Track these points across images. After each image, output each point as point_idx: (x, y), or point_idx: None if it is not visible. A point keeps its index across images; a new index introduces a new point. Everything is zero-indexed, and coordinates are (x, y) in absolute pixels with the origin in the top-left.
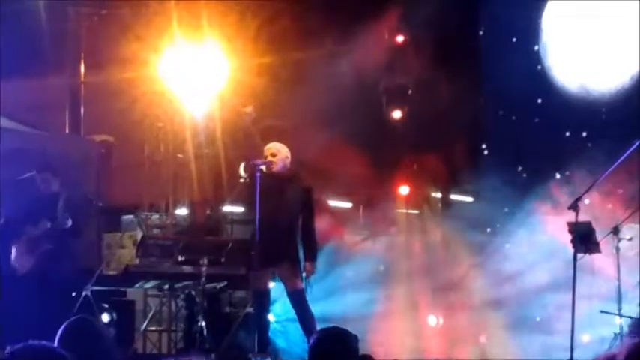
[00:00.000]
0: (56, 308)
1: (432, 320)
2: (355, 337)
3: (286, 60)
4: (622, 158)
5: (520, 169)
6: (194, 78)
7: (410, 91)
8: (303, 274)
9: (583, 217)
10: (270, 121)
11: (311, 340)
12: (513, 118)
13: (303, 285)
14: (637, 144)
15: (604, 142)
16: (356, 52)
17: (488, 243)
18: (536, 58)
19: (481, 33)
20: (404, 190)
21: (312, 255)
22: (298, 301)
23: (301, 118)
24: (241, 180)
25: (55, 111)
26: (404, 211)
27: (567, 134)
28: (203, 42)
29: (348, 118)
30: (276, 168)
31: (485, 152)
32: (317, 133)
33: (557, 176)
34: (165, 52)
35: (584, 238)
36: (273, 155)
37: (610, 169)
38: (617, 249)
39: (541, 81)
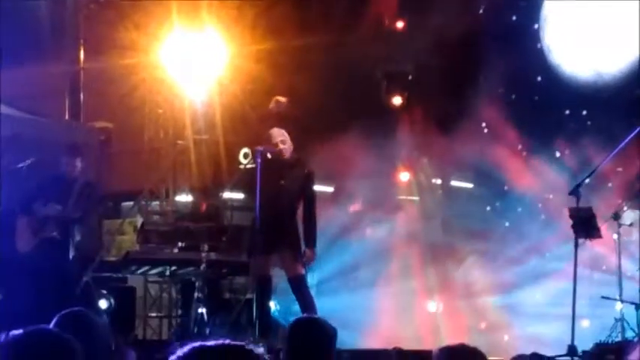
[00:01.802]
0: (55, 295)
1: (432, 306)
2: (332, 327)
3: (285, 46)
4: (623, 143)
5: (520, 147)
6: (193, 64)
7: (410, 77)
8: (304, 260)
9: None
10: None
11: (288, 328)
12: (513, 96)
13: (303, 271)
14: (637, 130)
15: (604, 120)
16: (355, 38)
17: (488, 226)
18: (536, 37)
19: (481, 11)
20: (404, 176)
21: (312, 241)
22: (299, 287)
23: (300, 104)
24: (241, 166)
25: (54, 98)
26: (404, 197)
27: (567, 112)
28: (202, 28)
29: (347, 105)
30: (287, 154)
31: (485, 131)
32: (316, 119)
33: (557, 154)
34: (164, 39)
35: (585, 224)
36: (283, 142)
37: (610, 155)
38: (618, 234)
39: (541, 59)
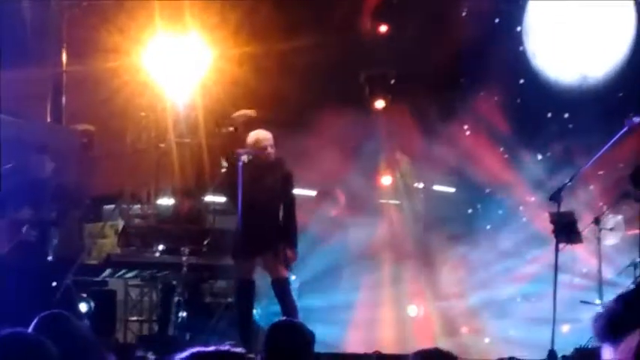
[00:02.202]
0: (35, 299)
1: (413, 311)
2: (310, 332)
3: (268, 49)
4: (605, 148)
5: (501, 149)
6: (176, 67)
7: (393, 81)
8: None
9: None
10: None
11: (266, 332)
12: (495, 99)
13: (286, 274)
14: (619, 134)
15: (586, 123)
16: (338, 41)
17: (469, 229)
18: (518, 39)
19: (464, 14)
20: (386, 179)
21: (293, 243)
22: (282, 289)
23: (283, 107)
24: (223, 170)
25: (36, 101)
26: (386, 201)
27: (549, 115)
28: (185, 32)
29: (330, 108)
30: (272, 158)
31: (467, 133)
32: (298, 122)
33: (539, 157)
34: (147, 42)
35: (566, 229)
36: (272, 147)
37: (592, 160)
38: (599, 239)
39: (523, 62)
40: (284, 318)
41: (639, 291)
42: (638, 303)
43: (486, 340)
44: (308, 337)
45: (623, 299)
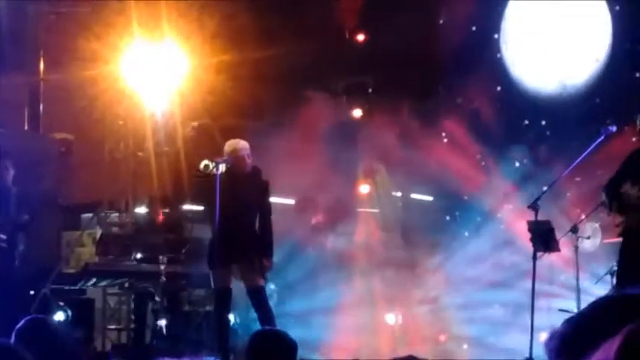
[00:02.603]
0: (10, 307)
1: (391, 319)
2: (293, 340)
3: (245, 58)
4: (582, 156)
5: (479, 156)
6: (154, 76)
7: (370, 90)
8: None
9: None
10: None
11: (248, 341)
12: (472, 106)
13: (263, 282)
14: (597, 141)
15: (563, 130)
16: (316, 49)
17: (447, 237)
18: (495, 47)
19: (441, 22)
20: (364, 188)
21: (269, 251)
22: (258, 298)
23: (260, 116)
24: (195, 177)
25: (14, 109)
26: (364, 209)
27: (526, 122)
28: (162, 40)
29: (307, 116)
30: (249, 168)
31: (445, 140)
32: (276, 131)
33: (517, 164)
34: (124, 50)
35: (543, 237)
36: (249, 156)
37: (570, 168)
38: (576, 247)
39: (500, 69)
40: (267, 327)
41: (589, 313)
42: (587, 325)
43: (465, 347)
44: (292, 346)
45: (572, 321)
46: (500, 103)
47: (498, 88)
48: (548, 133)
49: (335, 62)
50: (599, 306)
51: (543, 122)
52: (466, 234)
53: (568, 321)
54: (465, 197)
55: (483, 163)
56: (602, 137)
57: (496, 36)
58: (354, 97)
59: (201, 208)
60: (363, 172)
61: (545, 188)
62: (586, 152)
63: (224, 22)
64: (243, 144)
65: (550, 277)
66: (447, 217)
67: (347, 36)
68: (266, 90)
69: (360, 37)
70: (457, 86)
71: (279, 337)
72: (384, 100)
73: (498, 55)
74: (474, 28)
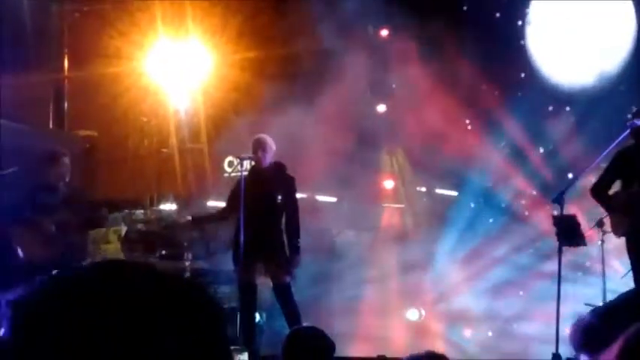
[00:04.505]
0: None
1: (414, 315)
2: (331, 339)
3: (270, 55)
4: (609, 150)
5: (503, 144)
6: (178, 73)
7: (394, 85)
8: (289, 267)
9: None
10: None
11: (286, 338)
12: (496, 93)
13: (288, 279)
14: (622, 137)
15: (588, 117)
16: (340, 46)
17: (473, 227)
18: (519, 34)
19: (465, 8)
20: (389, 183)
21: (296, 247)
22: (284, 295)
23: (286, 112)
24: (225, 174)
25: (38, 106)
26: (389, 204)
27: (550, 109)
28: (187, 37)
29: (333, 113)
30: (266, 164)
31: (469, 127)
32: (302, 127)
33: (541, 150)
34: (149, 48)
35: (568, 231)
36: (264, 150)
37: (596, 162)
38: (602, 242)
39: (524, 56)
40: (305, 325)
41: (614, 305)
42: (612, 317)
43: (489, 334)
44: (330, 345)
45: (597, 313)
46: (524, 89)
47: (522, 75)
48: (573, 120)
49: (359, 58)
50: (624, 300)
51: (567, 108)
52: (490, 220)
53: (594, 311)
54: (489, 185)
55: (507, 151)
56: (628, 131)
57: (520, 22)
58: (377, 92)
59: (223, 204)
60: (387, 167)
61: (570, 182)
62: (613, 145)
63: (249, 19)
64: (257, 139)
65: (576, 271)
66: (472, 205)
67: (370, 32)
68: (290, 87)
69: (384, 33)
70: (481, 73)
71: (318, 336)
72: (407, 95)
73: (522, 42)
74: (497, 15)
